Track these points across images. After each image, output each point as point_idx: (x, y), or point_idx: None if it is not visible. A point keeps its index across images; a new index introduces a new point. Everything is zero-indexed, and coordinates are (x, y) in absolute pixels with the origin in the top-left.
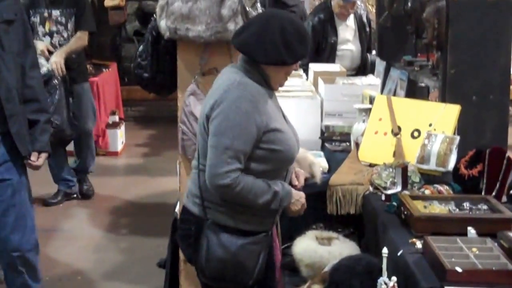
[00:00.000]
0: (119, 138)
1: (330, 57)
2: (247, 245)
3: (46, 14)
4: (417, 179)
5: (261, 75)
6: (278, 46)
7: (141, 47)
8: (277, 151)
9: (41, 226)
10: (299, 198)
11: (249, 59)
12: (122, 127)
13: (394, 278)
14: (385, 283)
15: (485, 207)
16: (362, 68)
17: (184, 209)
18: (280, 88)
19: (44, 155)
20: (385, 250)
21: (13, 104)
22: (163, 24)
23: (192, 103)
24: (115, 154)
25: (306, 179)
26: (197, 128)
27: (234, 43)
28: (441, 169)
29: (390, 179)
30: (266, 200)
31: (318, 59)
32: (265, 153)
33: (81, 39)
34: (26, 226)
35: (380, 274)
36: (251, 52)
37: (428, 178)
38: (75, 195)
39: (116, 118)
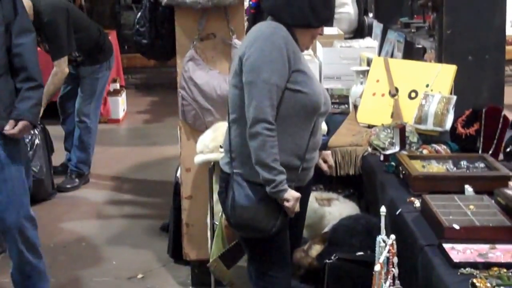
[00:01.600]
0: (120, 105)
1: None
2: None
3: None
4: (415, 139)
5: (292, 35)
6: (304, 9)
7: (139, 14)
8: (301, 92)
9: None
10: (292, 198)
11: (277, 21)
12: (123, 95)
13: (392, 236)
14: (384, 241)
15: (482, 165)
16: (360, 31)
17: (220, 168)
18: None
19: (21, 123)
20: (383, 209)
21: None
22: None
23: (191, 68)
24: (116, 121)
25: None
26: (229, 81)
27: (264, 5)
28: (439, 128)
29: (388, 140)
30: (274, 167)
31: None
32: (290, 94)
33: (57, 74)
34: (21, 202)
35: (379, 233)
36: (279, 14)
37: (426, 138)
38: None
39: (117, 85)
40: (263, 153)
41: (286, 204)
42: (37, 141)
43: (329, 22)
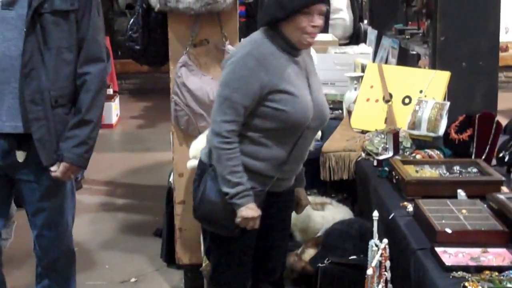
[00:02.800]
0: (113, 110)
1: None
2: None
3: None
4: (408, 145)
5: (283, 39)
6: (271, 6)
7: (132, 20)
8: (281, 110)
9: None
10: (241, 216)
11: (266, 27)
12: (117, 100)
13: (385, 240)
14: (376, 245)
15: (475, 170)
16: (355, 37)
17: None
18: None
19: (62, 165)
20: (375, 213)
21: (41, 107)
22: None
23: (184, 74)
24: (110, 126)
25: None
26: None
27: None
28: (432, 134)
29: (382, 145)
30: (229, 179)
31: None
32: (269, 111)
33: None
34: (57, 232)
35: (372, 237)
36: (258, 20)
37: (419, 143)
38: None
39: (111, 91)
40: (219, 165)
41: (236, 219)
42: None
43: (297, 7)
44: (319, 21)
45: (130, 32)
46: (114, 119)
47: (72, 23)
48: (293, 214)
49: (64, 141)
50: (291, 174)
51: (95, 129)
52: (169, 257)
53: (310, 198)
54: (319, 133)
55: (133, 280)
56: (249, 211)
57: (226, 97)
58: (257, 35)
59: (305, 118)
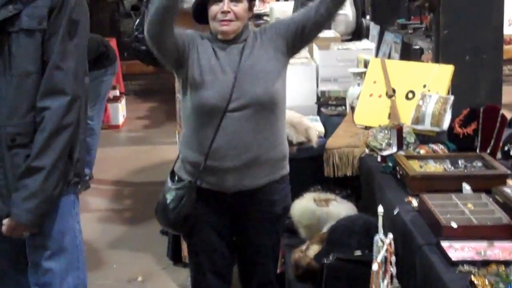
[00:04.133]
0: (120, 111)
1: None
2: (174, 190)
3: None
4: (412, 140)
5: (212, 33)
6: None
7: (137, 21)
8: (190, 85)
9: None
10: None
11: None
12: (123, 101)
13: (390, 235)
14: (382, 241)
15: (479, 164)
16: (357, 33)
17: None
18: None
19: (7, 222)
20: (380, 209)
21: None
22: None
23: None
24: (116, 127)
25: (302, 143)
26: None
27: None
28: (436, 129)
29: (386, 141)
30: None
31: None
32: (186, 81)
33: None
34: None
35: (377, 233)
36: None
37: (423, 138)
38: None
39: (117, 92)
40: None
41: None
42: None
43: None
44: (229, 6)
45: (136, 33)
46: (120, 120)
47: (38, 45)
48: (297, 211)
49: (15, 191)
50: (233, 162)
51: (49, 179)
52: (175, 255)
53: (315, 194)
54: (322, 129)
55: (140, 279)
56: None
57: None
58: None
59: (210, 99)
